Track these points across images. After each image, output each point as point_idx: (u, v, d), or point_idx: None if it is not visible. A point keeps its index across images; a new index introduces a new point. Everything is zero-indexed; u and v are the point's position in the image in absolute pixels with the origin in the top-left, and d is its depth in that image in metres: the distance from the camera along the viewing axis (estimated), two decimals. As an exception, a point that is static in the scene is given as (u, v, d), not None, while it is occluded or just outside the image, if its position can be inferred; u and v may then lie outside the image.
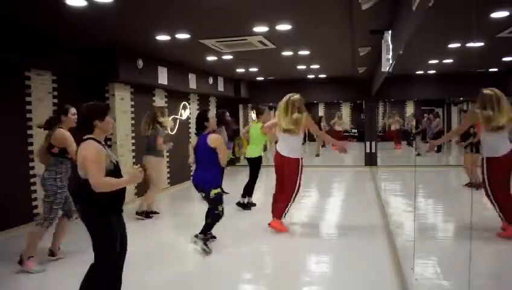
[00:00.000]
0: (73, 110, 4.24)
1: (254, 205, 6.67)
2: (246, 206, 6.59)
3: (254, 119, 6.58)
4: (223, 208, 4.61)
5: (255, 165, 6.67)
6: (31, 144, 5.82)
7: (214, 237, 4.83)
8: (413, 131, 15.32)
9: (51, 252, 4.41)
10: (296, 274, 3.98)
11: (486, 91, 4.62)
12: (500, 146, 4.54)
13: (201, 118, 4.66)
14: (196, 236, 4.58)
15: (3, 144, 5.40)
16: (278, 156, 5.22)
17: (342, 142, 5.87)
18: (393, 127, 16.29)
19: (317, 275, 3.96)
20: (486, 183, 4.57)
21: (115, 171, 2.82)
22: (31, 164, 5.81)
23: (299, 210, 6.44)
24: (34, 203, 5.86)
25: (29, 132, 5.79)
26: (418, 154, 13.41)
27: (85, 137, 2.78)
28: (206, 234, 4.62)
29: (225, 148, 4.63)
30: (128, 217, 6.10)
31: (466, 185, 7.30)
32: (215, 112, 8.67)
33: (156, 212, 6.28)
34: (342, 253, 4.54)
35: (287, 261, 4.39)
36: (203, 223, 4.67)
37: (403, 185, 9.06)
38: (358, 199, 7.44)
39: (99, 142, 2.79)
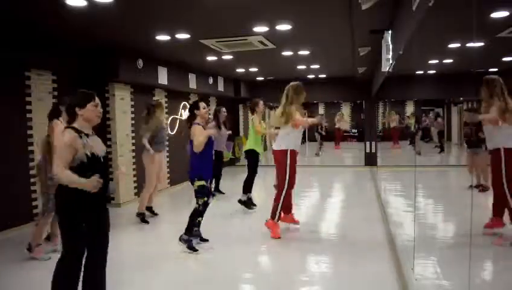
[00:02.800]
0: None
1: (255, 205, 6.59)
2: (247, 203, 6.52)
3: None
4: (204, 202, 4.48)
5: (250, 159, 6.54)
6: (31, 144, 5.82)
7: (206, 240, 4.76)
8: (413, 129, 15.30)
9: (48, 237, 4.55)
10: (296, 274, 3.97)
11: (491, 77, 4.43)
12: None
13: (192, 107, 4.65)
14: (180, 238, 4.55)
15: (3, 144, 5.39)
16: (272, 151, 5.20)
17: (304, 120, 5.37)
18: (392, 125, 16.33)
19: (317, 275, 3.96)
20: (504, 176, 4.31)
21: (88, 164, 2.69)
22: (31, 164, 5.81)
23: (299, 210, 6.45)
24: (34, 203, 5.85)
25: (29, 132, 5.79)
26: (419, 154, 13.41)
27: (66, 126, 2.75)
28: (190, 232, 4.52)
29: (199, 136, 4.39)
30: (128, 217, 6.12)
31: (476, 187, 6.86)
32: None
33: (153, 213, 6.24)
34: (341, 253, 4.54)
35: (286, 261, 4.39)
36: (202, 224, 4.68)
37: (403, 185, 9.06)
38: (358, 199, 7.44)
39: (80, 131, 2.71)
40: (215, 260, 4.37)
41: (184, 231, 4.55)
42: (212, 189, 5.93)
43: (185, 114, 9.69)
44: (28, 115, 5.78)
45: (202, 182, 4.47)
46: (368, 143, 11.76)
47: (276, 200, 5.05)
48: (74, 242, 2.71)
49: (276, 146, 5.13)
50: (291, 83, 5.14)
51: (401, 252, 4.22)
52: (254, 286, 3.79)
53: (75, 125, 2.73)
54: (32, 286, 3.77)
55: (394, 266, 3.94)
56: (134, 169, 7.47)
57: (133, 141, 7.46)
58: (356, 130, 20.40)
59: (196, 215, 4.52)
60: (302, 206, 6.72)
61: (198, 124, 4.55)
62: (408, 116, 16.80)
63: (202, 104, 4.64)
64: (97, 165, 2.74)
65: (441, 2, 2.62)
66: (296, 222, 5.43)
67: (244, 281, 3.88)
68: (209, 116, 6.08)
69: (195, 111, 4.61)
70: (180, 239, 4.56)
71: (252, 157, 6.53)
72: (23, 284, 3.81)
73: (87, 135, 2.75)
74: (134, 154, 7.48)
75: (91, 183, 2.63)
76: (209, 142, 4.51)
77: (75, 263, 2.72)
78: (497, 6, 4.21)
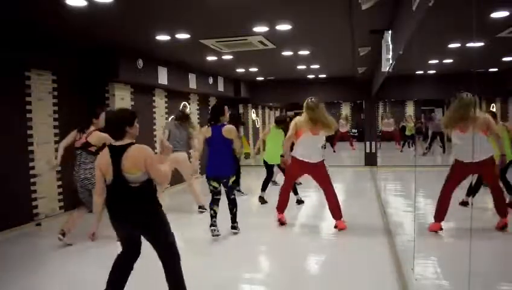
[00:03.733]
0: (104, 114, 4.77)
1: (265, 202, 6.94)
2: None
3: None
4: (235, 193, 5.05)
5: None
6: (31, 144, 5.83)
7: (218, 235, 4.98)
8: (412, 131, 15.27)
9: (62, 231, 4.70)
10: (296, 274, 3.97)
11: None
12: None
13: (217, 111, 4.90)
14: (234, 228, 5.07)
15: (3, 144, 5.39)
16: None
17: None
18: (385, 129, 16.11)
19: (317, 275, 3.96)
20: None
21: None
22: (31, 164, 5.81)
23: (299, 210, 6.45)
24: (34, 203, 5.86)
25: (29, 132, 5.79)
26: (424, 154, 13.38)
27: (124, 143, 2.84)
28: (236, 221, 5.09)
29: (238, 141, 5.01)
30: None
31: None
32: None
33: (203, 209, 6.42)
34: (342, 253, 4.54)
35: (286, 261, 4.39)
36: (202, 223, 4.70)
37: (403, 185, 9.06)
38: (358, 199, 7.44)
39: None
40: (214, 260, 4.37)
41: (232, 223, 5.08)
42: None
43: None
44: (28, 115, 5.78)
45: (234, 178, 5.01)
46: (367, 143, 11.76)
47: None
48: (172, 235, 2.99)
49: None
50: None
51: (401, 252, 4.22)
52: (253, 285, 3.78)
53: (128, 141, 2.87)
54: (32, 286, 3.77)
55: (394, 266, 3.94)
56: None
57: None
58: (356, 130, 20.39)
59: (236, 205, 5.05)
60: (302, 206, 6.72)
61: (226, 124, 4.90)
62: (406, 119, 16.74)
63: (226, 109, 4.99)
64: None
65: (441, 2, 2.62)
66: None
67: (244, 281, 3.87)
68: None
69: (220, 117, 4.88)
70: (234, 229, 5.09)
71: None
72: (23, 283, 3.81)
73: None
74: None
75: (165, 148, 3.06)
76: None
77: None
78: (497, 6, 4.21)
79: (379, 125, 17.37)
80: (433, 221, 4.86)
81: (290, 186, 5.60)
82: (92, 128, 4.79)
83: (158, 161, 2.85)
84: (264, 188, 7.05)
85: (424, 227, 5.00)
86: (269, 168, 7.19)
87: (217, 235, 4.87)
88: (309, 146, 5.18)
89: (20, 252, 4.62)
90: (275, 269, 4.22)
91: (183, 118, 6.48)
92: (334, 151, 14.94)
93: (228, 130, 4.81)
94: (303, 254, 4.57)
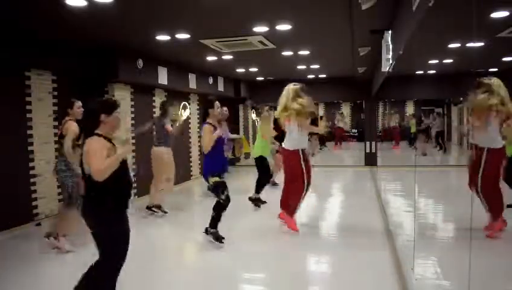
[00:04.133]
0: (78, 103, 4.60)
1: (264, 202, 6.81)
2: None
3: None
4: (226, 196, 4.61)
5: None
6: (31, 144, 5.82)
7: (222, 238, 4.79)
8: (414, 130, 15.30)
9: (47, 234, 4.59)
10: (296, 274, 3.97)
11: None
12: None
13: (207, 105, 4.75)
14: (206, 231, 4.70)
15: (3, 144, 5.39)
16: None
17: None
18: (392, 124, 16.33)
19: (317, 275, 3.96)
20: None
21: (123, 166, 2.77)
22: (31, 164, 5.81)
23: (299, 210, 6.44)
24: (34, 203, 5.86)
25: (29, 132, 5.79)
26: (425, 154, 13.38)
27: (93, 132, 2.74)
28: (215, 227, 4.66)
29: (208, 138, 4.51)
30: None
31: None
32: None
33: (159, 210, 6.27)
34: (341, 253, 4.54)
35: (286, 261, 4.39)
36: (202, 223, 4.69)
37: (403, 185, 9.06)
38: (358, 199, 7.44)
39: (105, 137, 2.76)
40: (214, 260, 4.37)
41: (209, 225, 4.68)
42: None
43: (185, 114, 9.68)
44: (28, 115, 5.78)
45: (216, 178, 4.59)
46: (367, 143, 11.76)
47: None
48: (117, 246, 2.80)
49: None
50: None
51: (401, 252, 4.22)
52: (254, 285, 3.78)
53: (99, 131, 2.75)
54: (31, 286, 3.77)
55: (394, 266, 3.94)
56: (134, 169, 7.47)
57: (133, 141, 7.46)
58: (356, 130, 20.40)
59: (221, 209, 4.64)
60: (303, 206, 6.71)
61: (210, 123, 4.62)
62: (408, 116, 16.79)
63: (217, 104, 4.72)
64: (124, 167, 2.81)
65: (441, 2, 2.62)
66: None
67: (244, 281, 3.88)
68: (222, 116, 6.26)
69: (209, 110, 4.67)
70: (207, 232, 4.70)
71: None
72: (23, 283, 3.81)
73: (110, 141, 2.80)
74: (134, 154, 7.47)
75: (122, 146, 2.80)
76: (218, 139, 4.61)
77: (115, 266, 2.83)
78: (497, 6, 4.21)
79: (385, 122, 17.43)
80: (492, 220, 4.57)
81: (301, 186, 5.19)
82: (66, 118, 4.55)
83: (102, 155, 2.62)
84: (257, 190, 6.78)
85: (424, 227, 4.99)
86: (259, 165, 6.86)
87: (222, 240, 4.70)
88: (293, 136, 5.09)
89: (20, 252, 4.62)
90: (275, 269, 4.22)
91: (161, 109, 6.30)
92: (313, 155, 14.18)
93: (203, 129, 4.58)
94: (303, 254, 4.57)
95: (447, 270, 3.89)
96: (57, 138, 4.65)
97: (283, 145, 5.22)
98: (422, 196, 7.08)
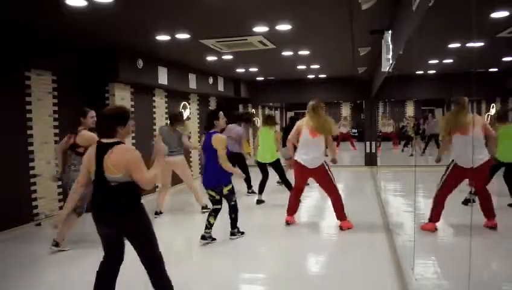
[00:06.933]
0: (92, 113, 4.66)
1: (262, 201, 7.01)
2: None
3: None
4: (235, 199, 4.89)
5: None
6: (31, 144, 5.82)
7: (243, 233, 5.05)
8: (412, 133, 15.28)
9: (55, 242, 4.53)
10: (296, 274, 3.97)
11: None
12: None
13: (212, 117, 4.75)
14: (233, 234, 4.95)
15: (3, 144, 5.39)
16: None
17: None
18: (385, 130, 16.22)
19: (317, 275, 3.96)
20: None
21: None
22: (31, 164, 5.81)
23: (300, 210, 6.44)
24: (34, 203, 5.86)
25: (29, 132, 5.79)
26: (423, 153, 13.35)
27: (111, 141, 2.73)
28: (235, 227, 4.98)
29: (223, 149, 4.57)
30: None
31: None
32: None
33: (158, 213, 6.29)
34: (342, 253, 4.54)
35: (286, 261, 4.39)
36: (203, 223, 4.69)
37: (403, 185, 9.06)
38: (358, 199, 7.44)
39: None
40: (214, 260, 4.37)
41: (231, 229, 4.95)
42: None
43: (185, 114, 9.70)
44: (28, 115, 5.78)
45: (230, 186, 4.74)
46: (367, 143, 11.76)
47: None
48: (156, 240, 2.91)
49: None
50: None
51: (401, 252, 4.22)
52: (254, 285, 3.78)
53: (119, 140, 2.78)
54: (31, 286, 3.77)
55: (394, 266, 3.94)
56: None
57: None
58: (356, 130, 20.40)
59: (236, 210, 4.91)
60: (303, 206, 6.71)
61: (217, 132, 4.69)
62: (406, 118, 16.73)
63: (221, 114, 4.78)
64: None
65: (441, 2, 2.62)
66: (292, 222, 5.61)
67: (244, 281, 3.88)
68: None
69: (215, 122, 4.71)
70: (232, 235, 4.96)
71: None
72: (23, 283, 3.81)
73: None
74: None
75: (157, 149, 3.00)
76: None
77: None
78: (497, 6, 4.22)
79: (379, 127, 17.42)
80: (427, 221, 4.96)
81: (298, 190, 5.53)
82: (80, 128, 4.61)
83: (144, 165, 2.73)
84: (260, 191, 7.05)
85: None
86: (263, 168, 7.19)
87: (205, 243, 4.73)
88: (309, 149, 5.18)
89: (20, 253, 4.62)
90: (275, 269, 4.21)
91: (175, 120, 6.23)
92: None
93: (215, 139, 4.56)
94: (303, 254, 4.57)
95: (447, 270, 3.89)
96: (68, 146, 4.63)
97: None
98: (422, 196, 7.07)
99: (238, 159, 7.20)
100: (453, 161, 4.85)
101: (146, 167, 2.75)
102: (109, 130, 2.75)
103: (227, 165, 4.55)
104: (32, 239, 5.23)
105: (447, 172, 4.89)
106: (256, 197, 7.08)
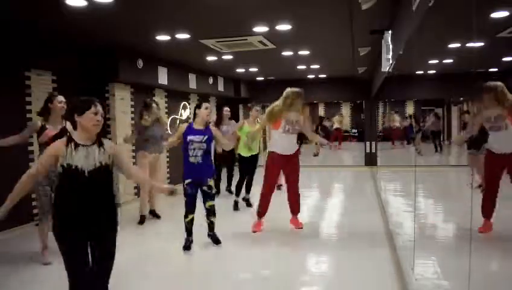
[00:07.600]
0: (59, 98, 4.42)
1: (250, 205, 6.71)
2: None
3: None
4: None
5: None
6: (31, 144, 5.82)
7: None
8: (414, 130, 15.33)
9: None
10: (296, 274, 3.97)
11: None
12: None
13: (195, 106, 4.75)
14: (213, 239, 4.72)
15: (3, 144, 5.39)
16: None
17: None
18: (395, 126, 16.36)
19: (317, 275, 3.96)
20: None
21: (69, 176, 2.50)
22: (31, 164, 5.80)
23: (300, 210, 6.44)
24: (34, 203, 5.85)
25: (29, 132, 5.78)
26: (419, 152, 13.35)
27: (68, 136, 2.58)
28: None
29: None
30: (126, 220, 6.10)
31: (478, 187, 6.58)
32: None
33: (155, 215, 6.21)
34: (342, 253, 4.54)
35: (286, 261, 4.39)
36: (203, 221, 4.70)
37: (403, 185, 9.06)
38: (358, 199, 7.44)
39: (71, 140, 2.51)
40: (213, 261, 4.37)
41: (210, 230, 4.74)
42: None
43: (185, 114, 9.70)
44: (28, 115, 5.77)
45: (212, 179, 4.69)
46: (367, 143, 11.76)
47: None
48: (74, 264, 2.79)
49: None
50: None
51: (401, 252, 4.22)
52: (254, 286, 3.78)
53: (71, 133, 2.58)
54: (33, 285, 3.77)
55: (394, 266, 3.94)
56: (134, 169, 7.46)
57: (133, 142, 7.45)
58: (356, 130, 20.39)
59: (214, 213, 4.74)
60: (303, 206, 6.70)
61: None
62: (407, 117, 16.78)
63: (205, 105, 4.67)
64: (77, 179, 2.51)
65: (441, 2, 2.62)
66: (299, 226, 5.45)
67: (244, 282, 3.87)
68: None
69: (196, 110, 4.67)
70: (212, 238, 4.75)
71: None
72: (24, 283, 3.81)
73: (78, 146, 2.51)
74: (134, 154, 7.47)
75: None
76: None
77: (80, 285, 2.78)
78: (497, 6, 4.21)
79: (386, 122, 17.41)
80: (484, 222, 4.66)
81: (269, 190, 5.27)
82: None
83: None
84: (247, 190, 6.76)
85: (424, 227, 4.99)
86: (244, 166, 6.69)
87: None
88: (284, 139, 5.10)
89: (20, 253, 4.62)
90: (275, 270, 4.22)
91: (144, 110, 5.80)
92: (316, 155, 13.10)
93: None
94: (303, 254, 4.57)
95: (447, 270, 3.89)
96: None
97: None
98: (422, 195, 7.08)
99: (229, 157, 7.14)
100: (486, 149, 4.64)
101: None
102: (70, 119, 2.59)
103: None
104: (32, 239, 5.22)
105: (484, 167, 4.65)
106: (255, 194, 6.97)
